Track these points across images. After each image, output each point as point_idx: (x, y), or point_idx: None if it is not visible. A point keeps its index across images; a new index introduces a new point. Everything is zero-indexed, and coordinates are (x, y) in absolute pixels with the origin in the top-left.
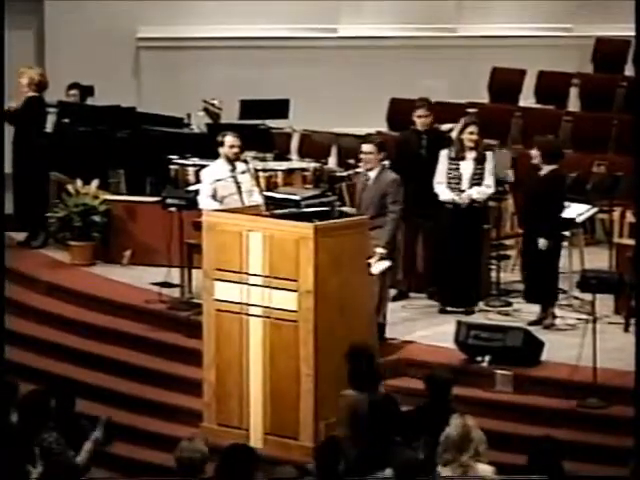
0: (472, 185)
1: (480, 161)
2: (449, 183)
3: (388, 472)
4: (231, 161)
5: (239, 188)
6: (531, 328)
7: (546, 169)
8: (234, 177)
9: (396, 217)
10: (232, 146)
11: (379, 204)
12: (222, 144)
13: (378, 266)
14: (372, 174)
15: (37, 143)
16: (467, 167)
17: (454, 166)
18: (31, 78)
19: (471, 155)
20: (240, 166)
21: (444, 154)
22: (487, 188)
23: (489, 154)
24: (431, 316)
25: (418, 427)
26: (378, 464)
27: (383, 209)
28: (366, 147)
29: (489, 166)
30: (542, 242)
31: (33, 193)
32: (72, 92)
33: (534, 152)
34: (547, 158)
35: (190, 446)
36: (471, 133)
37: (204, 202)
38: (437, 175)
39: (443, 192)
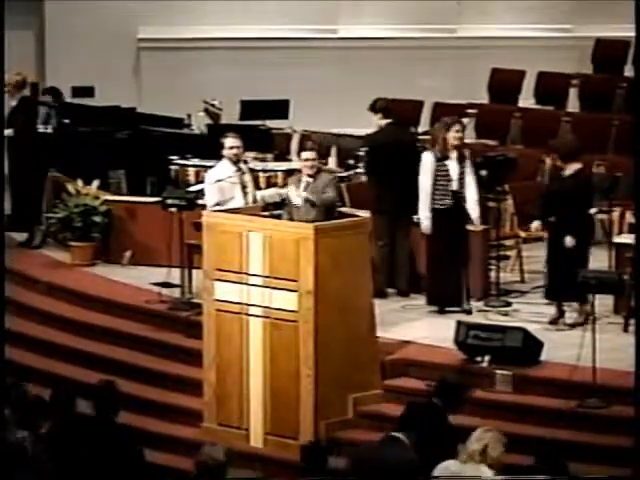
0: (460, 184)
1: (461, 161)
2: (438, 183)
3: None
4: (235, 162)
5: (244, 188)
6: (537, 328)
7: (570, 169)
8: (240, 178)
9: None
10: (231, 147)
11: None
12: (223, 146)
13: None
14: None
15: (30, 143)
16: (454, 167)
17: (442, 167)
18: (9, 84)
19: (454, 155)
20: (243, 167)
21: (427, 156)
22: (475, 195)
23: (466, 153)
24: (431, 316)
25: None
26: None
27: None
28: (309, 154)
29: (469, 169)
30: (569, 240)
31: (29, 193)
32: (45, 97)
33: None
34: (565, 158)
35: (209, 451)
36: (457, 131)
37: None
38: (422, 179)
39: (422, 205)
